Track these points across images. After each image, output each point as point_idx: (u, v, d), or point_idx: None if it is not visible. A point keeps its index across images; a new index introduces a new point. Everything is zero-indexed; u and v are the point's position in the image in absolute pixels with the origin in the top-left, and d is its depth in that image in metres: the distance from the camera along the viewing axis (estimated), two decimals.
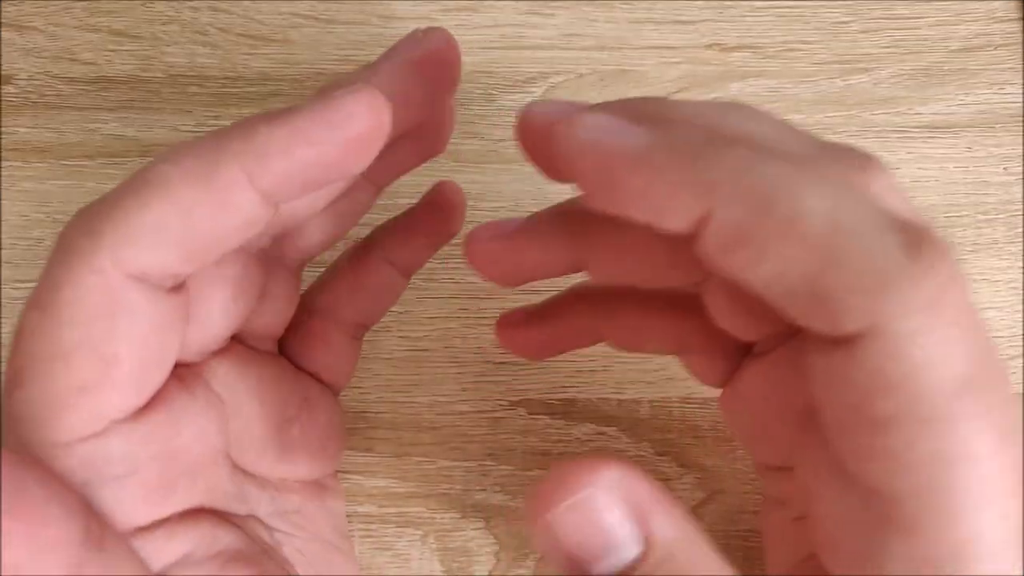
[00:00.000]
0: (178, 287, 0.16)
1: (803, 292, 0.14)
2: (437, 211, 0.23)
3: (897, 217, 0.14)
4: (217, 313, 0.18)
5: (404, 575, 0.25)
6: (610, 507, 0.14)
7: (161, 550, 0.17)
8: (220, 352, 0.19)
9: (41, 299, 0.15)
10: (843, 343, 0.14)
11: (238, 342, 0.20)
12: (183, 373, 0.18)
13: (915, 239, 0.14)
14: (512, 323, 0.22)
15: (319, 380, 0.23)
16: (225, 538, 0.18)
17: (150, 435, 0.16)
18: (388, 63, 0.18)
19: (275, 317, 0.21)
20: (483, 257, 0.20)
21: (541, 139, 0.17)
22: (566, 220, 0.19)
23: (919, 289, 0.13)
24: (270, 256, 0.20)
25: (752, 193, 0.14)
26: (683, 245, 0.15)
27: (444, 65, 0.18)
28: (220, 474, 0.19)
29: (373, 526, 0.25)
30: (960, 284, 0.14)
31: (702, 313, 0.18)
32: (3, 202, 0.27)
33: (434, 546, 0.25)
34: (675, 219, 0.15)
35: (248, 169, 0.15)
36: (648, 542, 0.14)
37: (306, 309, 0.22)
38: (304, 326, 0.22)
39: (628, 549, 0.14)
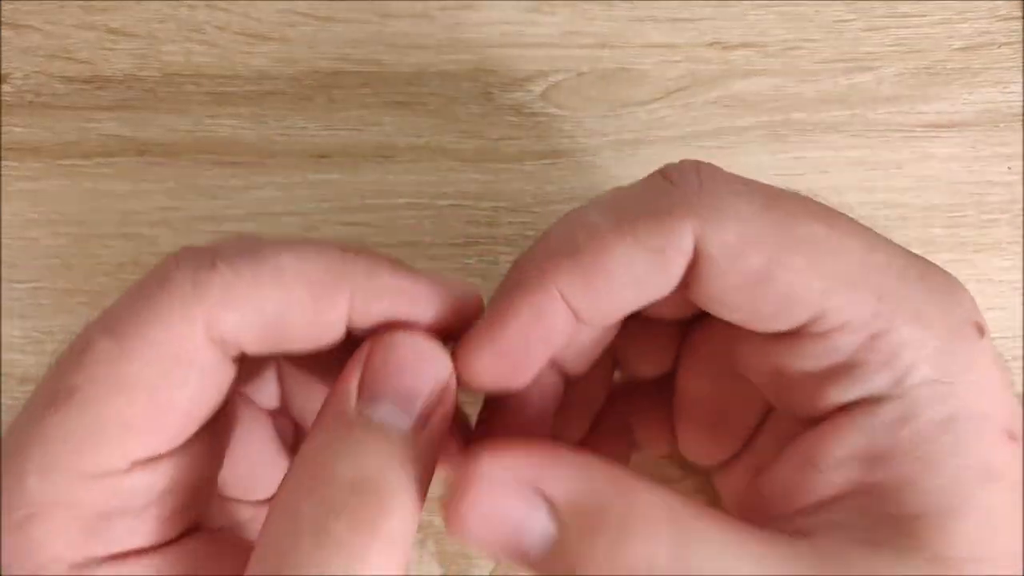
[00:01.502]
0: (238, 357, 0.17)
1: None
2: None
3: None
4: None
5: None
6: (504, 494, 0.14)
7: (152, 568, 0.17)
8: None
9: (121, 328, 0.15)
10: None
11: None
12: None
13: None
14: None
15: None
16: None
17: (165, 472, 0.16)
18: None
19: None
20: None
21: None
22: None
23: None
24: None
25: None
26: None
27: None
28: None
29: None
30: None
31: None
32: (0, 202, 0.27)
33: (433, 549, 0.25)
34: None
35: (357, 299, 0.16)
36: (555, 510, 0.14)
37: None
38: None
39: (543, 524, 0.14)
